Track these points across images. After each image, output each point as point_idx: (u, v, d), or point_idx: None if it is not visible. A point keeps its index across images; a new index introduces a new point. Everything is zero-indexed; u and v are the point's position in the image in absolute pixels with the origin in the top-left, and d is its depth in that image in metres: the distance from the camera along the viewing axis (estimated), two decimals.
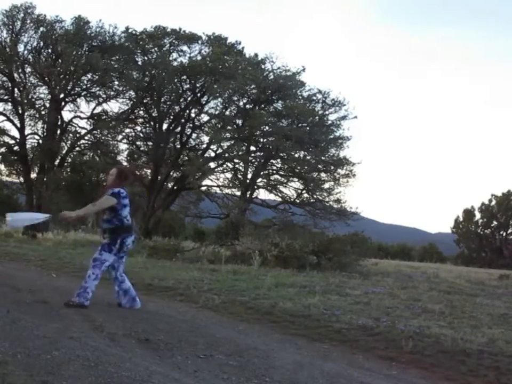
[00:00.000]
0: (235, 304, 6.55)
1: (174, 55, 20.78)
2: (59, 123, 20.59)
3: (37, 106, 20.54)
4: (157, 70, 19.66)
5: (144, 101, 20.99)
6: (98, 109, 21.07)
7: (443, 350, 4.70)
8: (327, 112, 21.01)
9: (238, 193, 22.06)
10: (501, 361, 4.42)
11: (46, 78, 20.13)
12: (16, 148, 20.82)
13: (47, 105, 20.68)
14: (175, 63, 20.38)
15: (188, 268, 10.67)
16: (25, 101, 19.85)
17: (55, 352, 3.65)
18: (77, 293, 5.61)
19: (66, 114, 26.90)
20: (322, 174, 21.41)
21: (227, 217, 20.80)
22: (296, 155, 20.87)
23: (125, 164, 23.63)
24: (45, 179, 19.98)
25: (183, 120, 21.17)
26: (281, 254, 12.45)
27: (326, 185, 21.21)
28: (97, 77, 19.91)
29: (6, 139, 20.84)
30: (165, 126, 21.09)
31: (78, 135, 21.18)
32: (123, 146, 23.21)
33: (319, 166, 20.95)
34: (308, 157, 21.09)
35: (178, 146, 21.34)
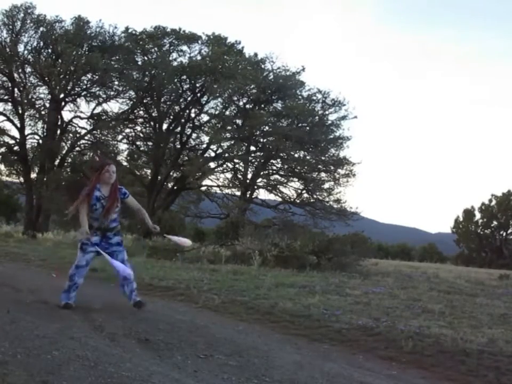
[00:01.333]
0: (235, 304, 6.55)
1: (174, 55, 20.82)
2: (59, 123, 20.61)
3: (37, 106, 20.56)
4: (157, 70, 19.66)
5: (144, 101, 21.00)
6: (98, 109, 21.12)
7: (443, 350, 4.69)
8: (327, 112, 21.02)
9: (238, 193, 22.08)
10: (501, 361, 4.41)
11: (46, 78, 20.13)
12: (16, 148, 20.83)
13: (47, 105, 20.70)
14: (175, 63, 20.40)
15: (188, 268, 10.66)
16: (25, 101, 19.86)
17: (55, 352, 3.64)
18: (136, 293, 5.76)
19: (66, 114, 26.96)
20: (322, 174, 21.42)
21: (227, 217, 20.80)
22: (296, 155, 20.89)
23: (125, 164, 23.66)
24: (45, 179, 19.98)
25: (183, 120, 21.18)
26: (281, 254, 12.45)
27: (326, 185, 21.24)
28: (97, 77, 19.91)
29: (6, 139, 20.88)
30: (165, 126, 21.11)
31: (78, 135, 21.19)
32: (123, 146, 23.25)
33: (319, 166, 20.96)
34: (308, 157, 21.11)
35: (178, 146, 21.35)
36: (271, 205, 21.76)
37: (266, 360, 4.03)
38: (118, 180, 5.78)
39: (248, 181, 21.56)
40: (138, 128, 22.12)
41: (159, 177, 20.84)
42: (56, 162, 20.97)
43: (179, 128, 21.28)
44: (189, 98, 20.98)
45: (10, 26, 19.54)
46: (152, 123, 21.64)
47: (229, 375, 3.53)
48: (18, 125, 20.40)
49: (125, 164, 23.71)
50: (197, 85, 20.44)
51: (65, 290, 5.63)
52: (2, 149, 21.10)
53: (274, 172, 22.08)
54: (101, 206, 5.55)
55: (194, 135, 21.71)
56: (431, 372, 4.18)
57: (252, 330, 5.25)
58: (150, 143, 22.24)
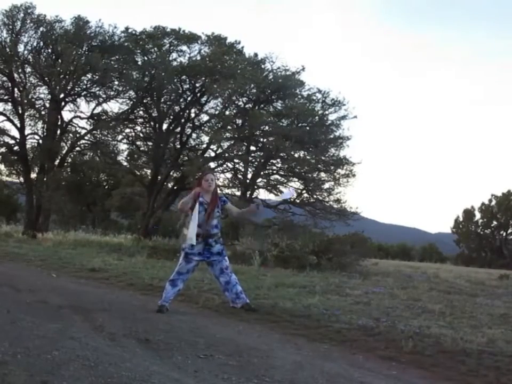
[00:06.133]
0: None
1: (174, 55, 20.78)
2: (59, 123, 20.59)
3: (37, 106, 20.54)
4: (156, 70, 19.64)
5: (144, 101, 20.99)
6: (98, 109, 21.09)
7: (443, 350, 4.69)
8: (327, 112, 20.98)
9: (238, 193, 22.06)
10: (501, 361, 4.41)
11: (46, 78, 20.13)
12: (16, 148, 20.82)
13: (47, 105, 20.68)
14: (174, 63, 20.39)
15: None
16: (25, 101, 19.85)
17: (55, 352, 3.64)
18: (243, 296, 6.15)
19: (66, 114, 26.94)
20: (322, 174, 21.39)
21: (227, 217, 20.77)
22: (296, 155, 20.85)
23: (124, 164, 23.67)
24: (45, 179, 19.98)
25: (183, 120, 21.17)
26: (281, 254, 12.45)
27: (326, 185, 21.19)
28: (97, 77, 19.89)
29: (6, 139, 20.86)
30: (164, 126, 21.10)
31: (78, 135, 21.18)
32: (123, 146, 23.24)
33: (319, 166, 20.93)
34: (308, 157, 21.07)
35: (178, 146, 21.34)
36: (271, 205, 21.75)
37: (266, 360, 4.03)
38: (216, 187, 6.22)
39: (248, 181, 21.54)
40: (138, 128, 22.14)
41: (159, 177, 20.83)
42: (56, 162, 20.97)
43: (179, 128, 21.27)
44: (189, 98, 20.97)
45: (10, 26, 19.52)
46: (152, 123, 21.63)
47: (229, 375, 3.53)
48: (18, 125, 20.39)
49: (125, 164, 23.75)
50: (197, 85, 20.43)
51: (165, 297, 5.97)
52: (2, 149, 21.10)
53: (274, 171, 22.07)
54: (203, 210, 5.95)
55: (194, 135, 21.70)
56: (431, 371, 4.17)
57: (252, 330, 5.25)
58: (150, 143, 22.24)
